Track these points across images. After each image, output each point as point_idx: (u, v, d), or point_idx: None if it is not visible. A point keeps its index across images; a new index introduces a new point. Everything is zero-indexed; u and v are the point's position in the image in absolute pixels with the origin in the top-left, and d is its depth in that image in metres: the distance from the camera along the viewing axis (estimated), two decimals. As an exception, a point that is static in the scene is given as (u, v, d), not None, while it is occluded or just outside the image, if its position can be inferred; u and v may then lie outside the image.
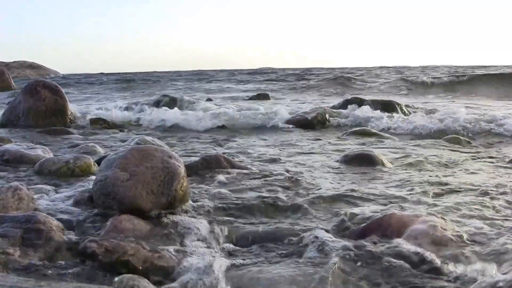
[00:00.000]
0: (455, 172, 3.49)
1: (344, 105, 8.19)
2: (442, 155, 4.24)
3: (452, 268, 1.71)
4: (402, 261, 1.77)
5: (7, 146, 3.98)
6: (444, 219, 2.10)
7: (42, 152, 3.84)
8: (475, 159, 4.12)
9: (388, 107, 7.73)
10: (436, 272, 1.71)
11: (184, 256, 1.85)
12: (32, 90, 6.99)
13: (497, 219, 2.30)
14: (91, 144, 4.76)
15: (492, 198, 2.69)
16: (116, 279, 1.60)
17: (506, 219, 2.30)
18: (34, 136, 5.67)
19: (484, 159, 4.08)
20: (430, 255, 1.79)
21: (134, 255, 1.81)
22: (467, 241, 1.96)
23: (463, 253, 1.84)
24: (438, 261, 1.76)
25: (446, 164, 3.79)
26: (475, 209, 2.47)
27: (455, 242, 1.93)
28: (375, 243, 1.93)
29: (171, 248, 1.92)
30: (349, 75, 20.04)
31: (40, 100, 6.90)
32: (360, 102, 8.08)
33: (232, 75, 30.41)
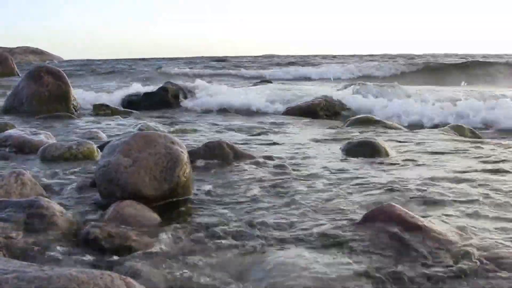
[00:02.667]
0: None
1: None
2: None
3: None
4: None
5: (10, 131, 3.98)
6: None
7: (45, 138, 3.84)
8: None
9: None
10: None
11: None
12: (35, 76, 6.97)
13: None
14: (94, 129, 4.76)
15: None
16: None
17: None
18: (37, 122, 5.67)
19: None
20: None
21: (136, 240, 1.82)
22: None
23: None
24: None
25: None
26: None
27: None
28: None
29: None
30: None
31: (43, 86, 6.88)
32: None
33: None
